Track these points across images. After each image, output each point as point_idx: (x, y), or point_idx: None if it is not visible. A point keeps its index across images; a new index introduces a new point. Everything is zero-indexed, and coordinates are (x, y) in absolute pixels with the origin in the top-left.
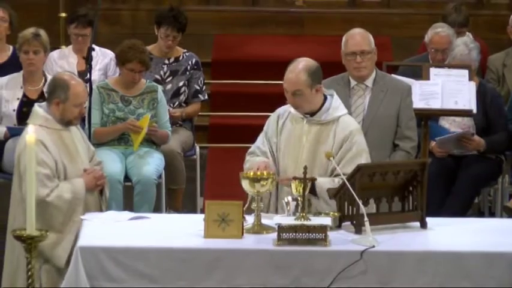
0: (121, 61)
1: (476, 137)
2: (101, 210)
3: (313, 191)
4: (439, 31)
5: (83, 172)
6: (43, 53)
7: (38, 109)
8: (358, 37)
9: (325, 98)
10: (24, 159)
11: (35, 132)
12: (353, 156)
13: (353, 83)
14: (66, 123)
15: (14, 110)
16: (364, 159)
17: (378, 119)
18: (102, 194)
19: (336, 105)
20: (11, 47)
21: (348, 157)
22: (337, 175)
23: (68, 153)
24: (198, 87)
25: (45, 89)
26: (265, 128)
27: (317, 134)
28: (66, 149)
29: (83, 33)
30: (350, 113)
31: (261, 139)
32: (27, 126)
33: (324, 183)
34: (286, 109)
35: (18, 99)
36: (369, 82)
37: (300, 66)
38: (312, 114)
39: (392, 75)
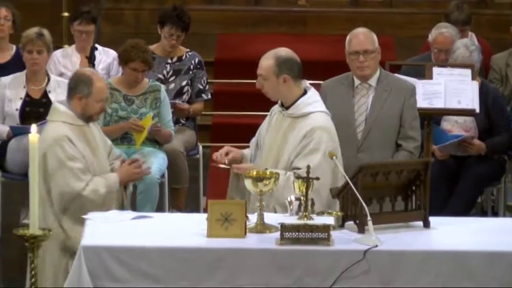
0: (124, 60)
1: (476, 141)
2: (122, 206)
3: None
4: (443, 31)
5: (107, 167)
6: (46, 53)
7: (59, 106)
8: (361, 36)
9: (305, 92)
10: (52, 156)
11: (60, 128)
12: (308, 152)
13: (357, 82)
14: (87, 118)
15: (16, 110)
16: (319, 157)
17: (381, 118)
18: (126, 190)
19: (308, 101)
20: (14, 47)
21: (304, 152)
22: (294, 169)
23: (91, 149)
24: (202, 87)
25: (48, 88)
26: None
27: (287, 127)
28: (89, 145)
29: (86, 30)
30: (353, 112)
31: (254, 137)
32: (47, 123)
33: None
34: (276, 105)
35: (21, 98)
36: (373, 81)
37: (272, 53)
38: (288, 107)
39: (396, 74)
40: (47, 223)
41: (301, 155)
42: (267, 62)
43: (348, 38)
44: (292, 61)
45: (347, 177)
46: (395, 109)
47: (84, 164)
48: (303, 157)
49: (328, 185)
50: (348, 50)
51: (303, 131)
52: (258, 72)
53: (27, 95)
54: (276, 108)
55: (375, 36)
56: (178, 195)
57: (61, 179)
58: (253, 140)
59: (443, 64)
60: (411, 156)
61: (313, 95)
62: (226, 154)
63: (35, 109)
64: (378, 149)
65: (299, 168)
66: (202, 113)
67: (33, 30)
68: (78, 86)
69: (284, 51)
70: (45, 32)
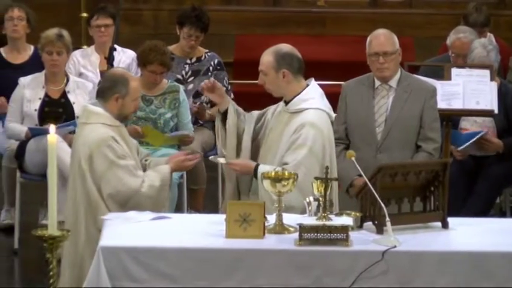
0: (142, 63)
1: (494, 139)
2: (163, 206)
3: (255, 175)
4: (460, 36)
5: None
6: (66, 54)
7: (95, 108)
8: (381, 38)
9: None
10: (101, 157)
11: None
12: (296, 147)
13: (377, 83)
14: (123, 118)
15: (35, 110)
16: (304, 152)
17: (400, 119)
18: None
19: (304, 97)
20: (31, 47)
21: (293, 147)
22: (283, 164)
23: (130, 149)
24: (225, 87)
25: (67, 89)
26: None
27: (284, 123)
28: (127, 145)
29: (104, 24)
30: (373, 113)
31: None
32: (82, 126)
33: (266, 169)
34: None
35: (40, 99)
36: (393, 83)
37: (272, 48)
38: (287, 102)
39: (416, 76)
40: (78, 224)
41: (290, 150)
42: (267, 57)
43: (368, 39)
44: (292, 56)
45: (366, 178)
46: (415, 110)
47: (134, 161)
48: (291, 152)
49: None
50: (368, 51)
51: (294, 126)
52: (259, 68)
53: (46, 95)
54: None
55: (395, 38)
56: (196, 196)
57: (114, 179)
58: (255, 114)
59: (462, 65)
60: (431, 157)
61: (310, 91)
62: (212, 89)
63: (54, 109)
64: (397, 150)
65: (287, 163)
66: None
67: (52, 31)
68: (115, 86)
69: (284, 47)
70: (65, 33)
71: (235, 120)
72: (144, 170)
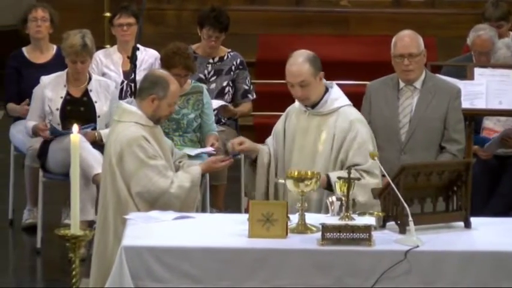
0: (166, 66)
1: None
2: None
3: (329, 187)
4: (480, 34)
5: (173, 167)
6: (89, 60)
7: (129, 106)
8: (406, 39)
9: (327, 90)
10: (131, 156)
11: (134, 128)
12: (359, 145)
13: (402, 84)
14: (156, 120)
15: (57, 109)
16: (372, 146)
17: (425, 120)
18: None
19: (335, 97)
20: (54, 47)
21: (355, 147)
22: (349, 167)
23: (162, 149)
24: (247, 87)
25: (89, 87)
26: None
27: (318, 125)
28: (160, 146)
29: (127, 22)
30: (397, 114)
31: (271, 137)
32: (117, 124)
33: (337, 175)
34: (293, 106)
35: (61, 97)
36: (418, 84)
37: (301, 58)
38: (313, 106)
39: (441, 76)
40: (107, 222)
41: (353, 150)
42: (303, 66)
43: (393, 40)
44: (318, 58)
45: (389, 178)
46: (439, 111)
47: (167, 160)
48: (357, 151)
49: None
50: (393, 53)
51: (342, 126)
52: (297, 81)
53: (67, 93)
54: (291, 110)
55: (420, 39)
56: (218, 193)
57: (144, 178)
58: (270, 141)
59: (485, 64)
60: (454, 159)
61: (337, 90)
62: (240, 144)
63: (76, 108)
64: (421, 151)
65: (358, 164)
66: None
67: (76, 40)
68: (154, 87)
69: (306, 51)
70: (88, 39)
71: (268, 159)
72: (177, 171)
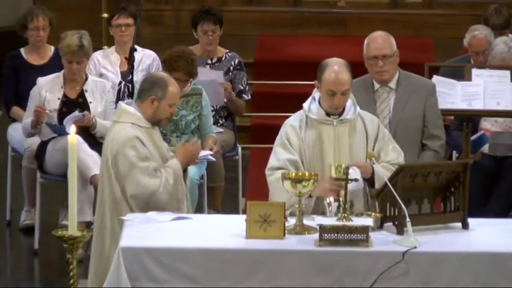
0: (168, 69)
1: None
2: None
3: (370, 181)
4: (475, 34)
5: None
6: (86, 60)
7: (127, 107)
8: (379, 40)
9: None
10: (124, 157)
11: (130, 130)
12: (389, 141)
13: (376, 85)
14: (157, 122)
15: (55, 110)
16: (394, 144)
17: (404, 120)
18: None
19: (350, 103)
20: (52, 48)
21: (390, 145)
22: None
23: (160, 152)
24: (242, 87)
25: (85, 87)
26: (282, 141)
27: (349, 132)
28: (158, 149)
29: (125, 23)
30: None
31: (284, 152)
32: (115, 124)
33: (381, 171)
34: (298, 118)
35: (58, 99)
36: (393, 84)
37: (343, 66)
38: (339, 114)
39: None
40: (104, 223)
41: (390, 147)
42: (347, 75)
43: (365, 41)
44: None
45: (386, 179)
46: (417, 110)
47: (157, 164)
48: (392, 148)
49: None
50: (366, 55)
51: (372, 128)
52: (339, 90)
53: (64, 95)
54: (301, 123)
55: (393, 40)
56: (215, 194)
57: (134, 180)
58: (290, 157)
59: (482, 65)
60: (437, 155)
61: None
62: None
63: (72, 109)
64: (404, 150)
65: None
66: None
67: (74, 41)
68: (153, 88)
69: (338, 59)
70: (85, 40)
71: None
72: None
